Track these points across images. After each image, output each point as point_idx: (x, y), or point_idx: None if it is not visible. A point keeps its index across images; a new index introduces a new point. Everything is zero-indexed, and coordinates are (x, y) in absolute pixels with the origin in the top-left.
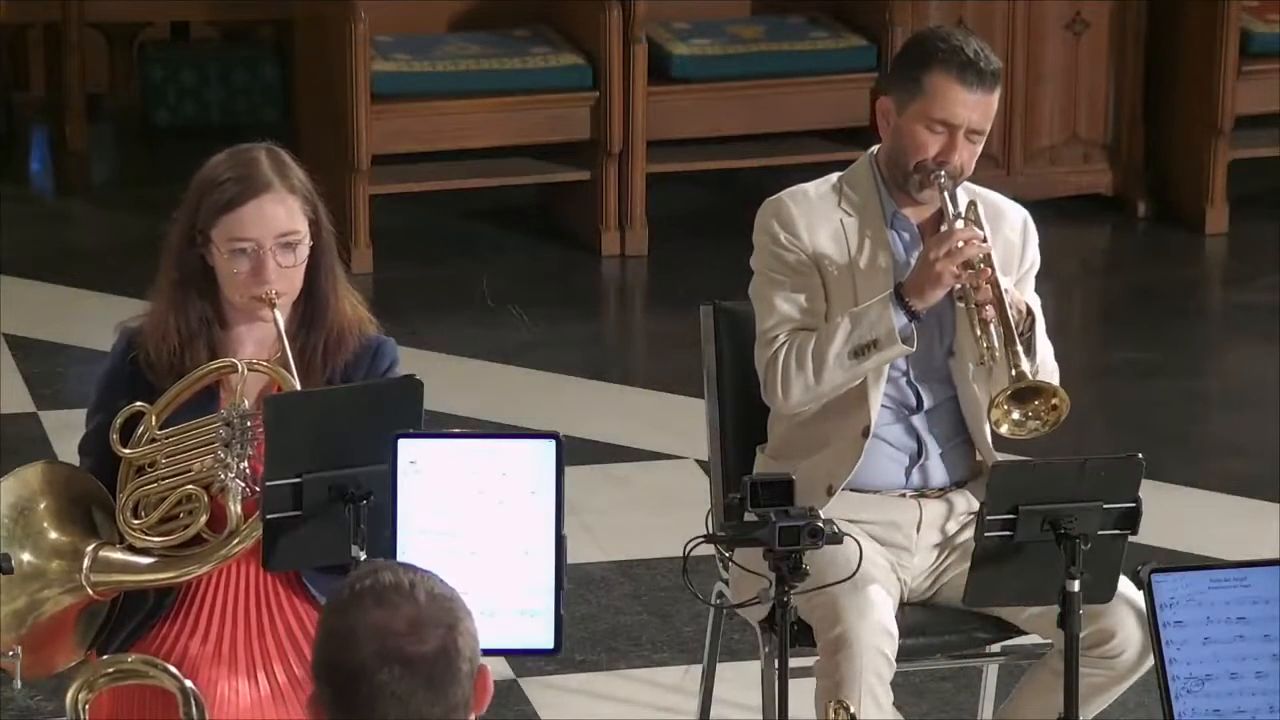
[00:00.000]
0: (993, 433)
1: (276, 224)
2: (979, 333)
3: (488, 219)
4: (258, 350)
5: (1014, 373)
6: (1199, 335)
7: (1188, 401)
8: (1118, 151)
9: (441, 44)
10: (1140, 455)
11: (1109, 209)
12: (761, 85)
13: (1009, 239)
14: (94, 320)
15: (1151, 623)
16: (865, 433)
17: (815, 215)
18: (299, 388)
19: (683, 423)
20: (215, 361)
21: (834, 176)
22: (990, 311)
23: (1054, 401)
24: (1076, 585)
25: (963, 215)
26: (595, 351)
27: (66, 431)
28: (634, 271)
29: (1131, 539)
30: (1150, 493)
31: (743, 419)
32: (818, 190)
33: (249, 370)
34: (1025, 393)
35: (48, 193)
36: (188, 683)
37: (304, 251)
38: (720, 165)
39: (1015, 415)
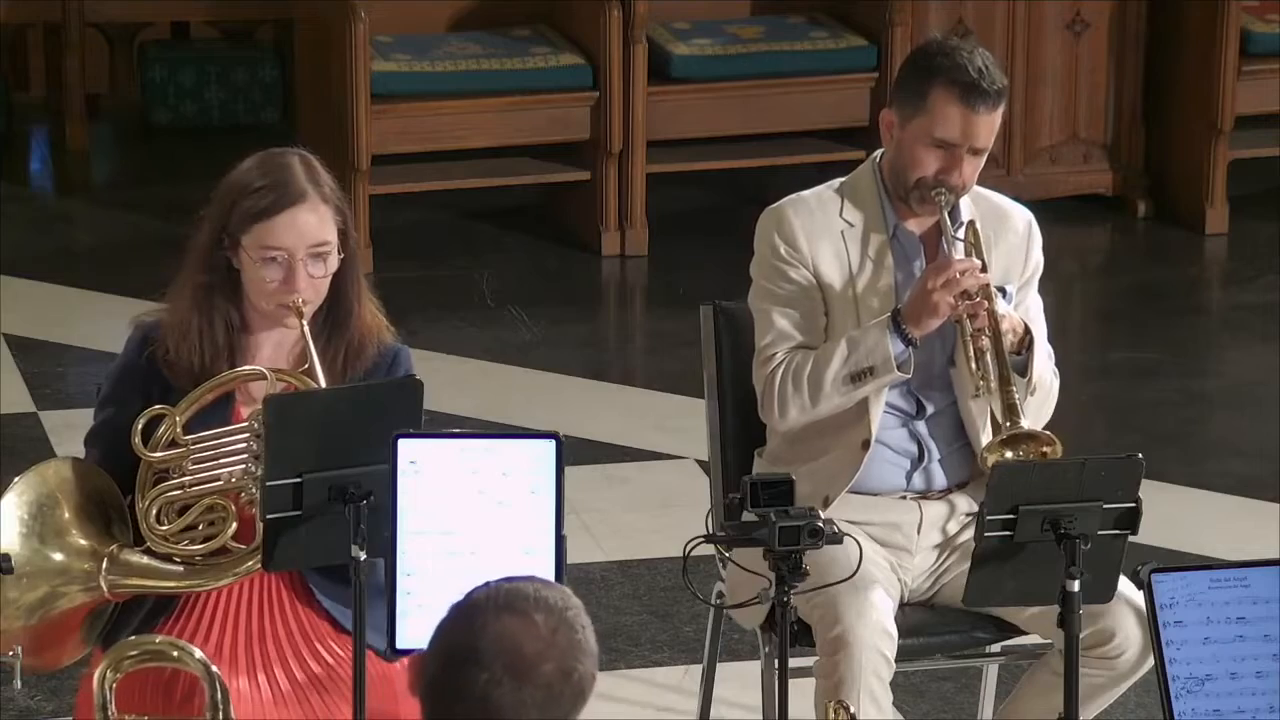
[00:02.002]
0: None
1: (309, 234)
2: (975, 366)
3: (488, 219)
4: (276, 353)
5: (1008, 423)
6: (1199, 335)
7: (1188, 401)
8: (1118, 151)
9: (441, 44)
10: (1140, 455)
11: (1109, 209)
12: (761, 85)
13: (1012, 243)
14: (94, 320)
15: (1151, 623)
16: (865, 445)
17: (816, 226)
18: None
19: (683, 423)
20: (243, 369)
21: (836, 182)
22: (986, 342)
23: (1045, 450)
24: (1076, 585)
25: (961, 238)
26: (595, 351)
27: (67, 431)
28: (634, 271)
29: (1131, 539)
30: (1150, 493)
31: (743, 419)
32: (819, 198)
33: (278, 380)
34: (1019, 436)
35: (48, 193)
36: (213, 667)
37: (334, 262)
38: (720, 165)
39: (1008, 455)
